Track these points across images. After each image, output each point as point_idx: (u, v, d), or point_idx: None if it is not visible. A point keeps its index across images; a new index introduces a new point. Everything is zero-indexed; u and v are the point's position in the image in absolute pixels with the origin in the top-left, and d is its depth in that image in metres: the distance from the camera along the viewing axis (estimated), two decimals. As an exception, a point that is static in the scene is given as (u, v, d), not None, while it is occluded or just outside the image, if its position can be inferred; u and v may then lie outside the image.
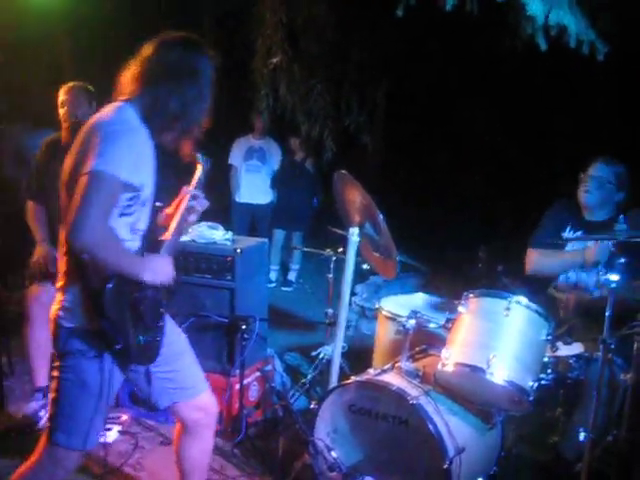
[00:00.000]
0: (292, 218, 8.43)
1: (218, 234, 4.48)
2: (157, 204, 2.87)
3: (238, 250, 4.33)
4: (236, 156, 8.26)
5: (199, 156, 3.01)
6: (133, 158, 2.53)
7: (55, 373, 2.73)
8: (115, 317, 2.57)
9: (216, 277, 4.38)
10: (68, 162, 2.64)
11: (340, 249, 4.81)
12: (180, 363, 3.01)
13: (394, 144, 10.38)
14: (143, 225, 2.74)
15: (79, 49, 7.96)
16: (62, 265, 2.72)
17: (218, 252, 4.39)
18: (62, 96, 4.44)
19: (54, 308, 2.71)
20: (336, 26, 8.31)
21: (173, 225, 2.87)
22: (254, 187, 8.33)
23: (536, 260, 4.25)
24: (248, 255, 4.41)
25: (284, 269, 8.94)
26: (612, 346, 3.28)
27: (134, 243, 2.72)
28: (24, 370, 5.00)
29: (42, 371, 4.48)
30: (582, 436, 3.28)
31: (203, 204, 2.95)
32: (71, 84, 4.49)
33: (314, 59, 8.43)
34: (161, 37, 2.72)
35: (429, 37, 8.64)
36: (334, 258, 4.94)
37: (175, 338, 3.01)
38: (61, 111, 4.43)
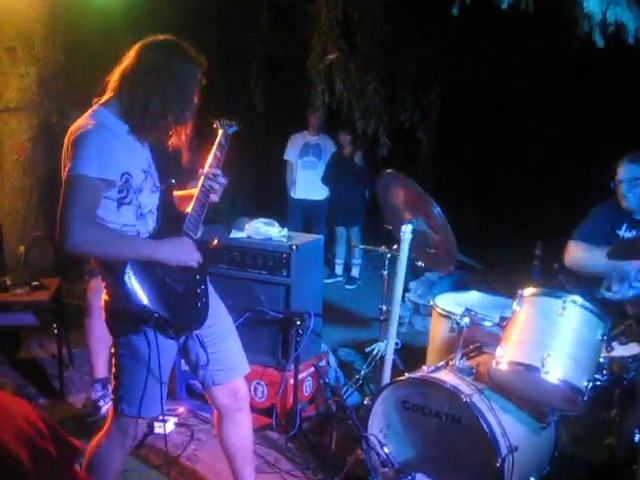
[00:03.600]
0: (348, 214, 8.49)
1: (274, 230, 4.53)
2: (171, 182, 3.00)
3: (294, 247, 4.38)
4: (291, 152, 8.34)
5: (218, 123, 3.13)
6: (107, 155, 2.65)
7: (113, 350, 2.96)
8: (139, 296, 2.69)
9: (272, 273, 4.44)
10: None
11: (395, 246, 4.83)
12: (224, 344, 3.14)
13: (448, 141, 10.32)
14: (150, 207, 2.89)
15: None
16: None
17: (274, 248, 4.45)
18: None
19: (103, 294, 2.91)
20: (391, 23, 8.32)
21: (192, 204, 2.97)
22: (310, 183, 8.38)
23: (577, 253, 4.20)
24: (303, 252, 4.46)
25: (347, 266, 8.99)
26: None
27: (144, 226, 2.86)
28: (83, 361, 5.16)
29: (101, 362, 4.59)
30: (637, 437, 3.24)
31: (221, 182, 3.04)
32: None
33: (369, 56, 8.45)
34: (143, 40, 2.83)
35: (484, 35, 8.56)
36: (388, 255, 4.96)
37: (221, 319, 3.15)
38: None
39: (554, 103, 9.70)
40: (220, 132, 3.14)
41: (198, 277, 2.95)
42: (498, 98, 10.11)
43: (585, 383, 3.26)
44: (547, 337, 3.33)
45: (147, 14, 7.31)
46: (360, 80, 8.43)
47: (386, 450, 3.59)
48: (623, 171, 4.07)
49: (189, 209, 2.97)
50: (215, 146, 3.11)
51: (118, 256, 2.69)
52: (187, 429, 4.41)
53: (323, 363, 4.77)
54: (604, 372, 3.45)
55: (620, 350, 3.62)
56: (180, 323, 2.83)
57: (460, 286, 5.01)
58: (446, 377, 3.51)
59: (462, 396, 3.32)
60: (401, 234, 3.88)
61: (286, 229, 4.63)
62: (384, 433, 3.65)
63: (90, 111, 2.78)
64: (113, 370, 2.97)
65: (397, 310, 3.94)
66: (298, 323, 4.27)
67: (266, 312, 4.41)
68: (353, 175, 8.34)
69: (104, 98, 2.82)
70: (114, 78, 2.81)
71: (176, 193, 3.08)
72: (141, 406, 2.88)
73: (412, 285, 7.30)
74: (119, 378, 2.93)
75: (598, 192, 4.42)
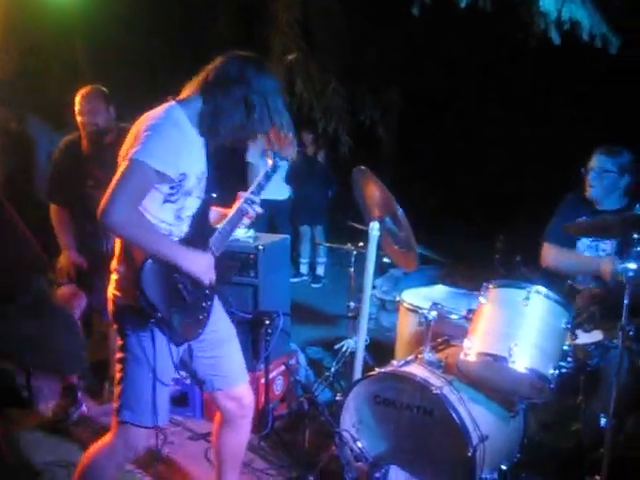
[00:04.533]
0: (312, 213, 8.54)
1: (240, 232, 4.53)
2: (212, 195, 3.04)
3: (261, 247, 4.40)
4: (253, 153, 8.33)
5: (271, 152, 3.23)
6: (172, 151, 2.71)
7: (118, 354, 2.92)
8: (151, 293, 2.72)
9: (239, 274, 4.45)
10: (122, 150, 2.81)
11: (361, 243, 4.88)
12: (223, 350, 3.16)
13: (408, 138, 10.42)
14: (189, 212, 2.92)
15: (95, 49, 8.03)
16: (116, 248, 2.91)
17: (241, 250, 4.46)
18: (79, 104, 4.41)
19: (110, 288, 2.91)
20: (350, 23, 8.37)
21: (223, 223, 3.05)
22: (272, 183, 8.34)
23: (552, 256, 4.28)
24: (271, 252, 4.49)
25: (312, 264, 9.02)
26: (631, 333, 3.32)
27: (179, 228, 2.89)
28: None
29: None
30: (603, 422, 3.32)
31: (258, 211, 3.16)
32: (87, 90, 4.45)
33: (329, 55, 8.49)
34: (230, 52, 2.91)
35: (443, 34, 8.67)
36: (355, 252, 5.00)
37: (222, 325, 3.17)
38: (79, 119, 4.43)
39: (515, 100, 9.85)
40: (270, 162, 3.24)
41: (207, 292, 2.98)
42: (458, 96, 10.24)
43: (551, 371, 3.34)
44: (513, 327, 3.40)
45: (104, 17, 7.27)
46: (320, 79, 8.45)
47: (359, 445, 3.64)
48: (596, 160, 4.15)
49: (220, 226, 3.03)
50: (262, 174, 3.22)
51: (144, 246, 2.73)
52: (159, 432, 4.39)
53: (293, 361, 4.80)
54: (569, 359, 3.52)
55: (584, 337, 3.72)
56: (182, 330, 2.85)
57: (425, 281, 5.06)
58: (416, 370, 3.56)
59: (432, 388, 3.37)
60: (369, 231, 3.93)
61: (252, 230, 4.65)
62: (357, 428, 3.69)
63: (166, 105, 2.83)
64: (118, 375, 2.92)
65: (367, 306, 4.00)
66: (267, 323, 4.30)
67: (235, 313, 4.41)
68: (316, 174, 8.39)
69: (182, 96, 2.89)
70: (197, 79, 2.87)
71: (213, 208, 3.14)
72: (152, 413, 2.86)
73: (377, 282, 7.33)
74: (122, 382, 2.89)
75: (560, 188, 4.50)
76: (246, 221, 3.16)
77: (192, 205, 2.93)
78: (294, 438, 4.25)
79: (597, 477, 3.31)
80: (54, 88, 6.78)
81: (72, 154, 4.52)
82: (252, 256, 4.43)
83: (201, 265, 2.87)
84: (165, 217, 2.83)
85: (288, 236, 4.93)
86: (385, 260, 4.57)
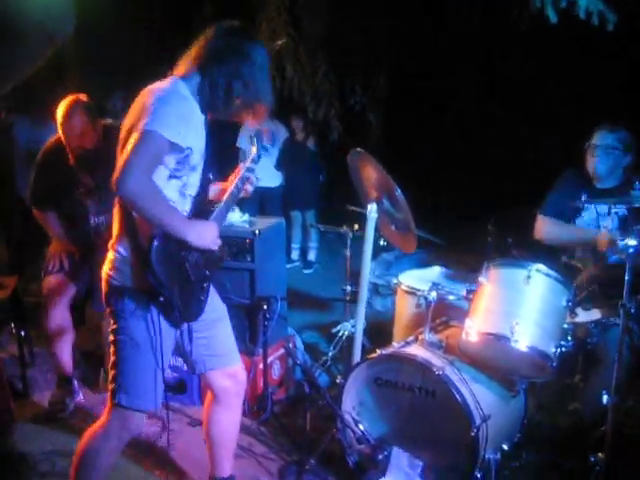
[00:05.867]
0: (303, 198, 8.53)
1: (235, 216, 4.52)
2: (210, 176, 3.02)
3: (257, 231, 4.38)
4: (244, 140, 8.28)
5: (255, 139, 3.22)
6: (181, 122, 2.69)
7: (111, 337, 2.88)
8: (160, 271, 2.71)
9: (236, 259, 4.42)
10: (125, 123, 2.78)
11: (356, 226, 4.88)
12: (217, 330, 3.16)
13: (397, 123, 10.40)
14: (193, 190, 2.90)
15: (82, 48, 7.96)
16: (115, 225, 2.88)
17: (237, 234, 4.43)
18: (62, 120, 4.16)
19: (105, 268, 2.87)
20: (338, 7, 8.33)
21: (226, 195, 3.04)
22: (264, 170, 8.33)
23: (546, 227, 4.27)
24: (266, 236, 4.46)
25: (303, 250, 9.01)
26: (632, 310, 3.33)
27: (183, 206, 2.87)
28: (45, 360, 5.09)
29: (65, 359, 4.53)
30: (605, 399, 3.33)
31: (254, 182, 3.16)
32: (69, 105, 4.16)
33: (318, 41, 8.46)
34: (218, 23, 2.89)
35: (433, 13, 8.64)
36: (351, 235, 5.00)
37: (215, 306, 3.16)
38: (60, 130, 4.19)
39: (506, 77, 9.85)
40: (254, 149, 3.23)
41: (208, 273, 2.98)
42: (447, 79, 10.23)
43: (553, 349, 3.35)
44: (514, 306, 3.41)
45: (88, 8, 7.19)
46: (310, 65, 8.45)
47: (361, 427, 3.63)
48: (600, 137, 4.13)
49: (221, 202, 3.02)
50: (254, 152, 3.22)
51: (157, 217, 2.68)
52: (158, 420, 4.38)
53: (292, 345, 4.79)
54: (569, 338, 3.53)
55: (583, 316, 3.73)
56: (184, 310, 2.85)
57: (416, 265, 5.06)
58: (417, 351, 3.56)
59: (434, 369, 3.37)
60: (367, 213, 3.92)
61: (247, 214, 4.62)
62: (358, 411, 3.69)
63: (170, 79, 2.82)
64: (112, 359, 2.89)
65: (366, 289, 3.99)
66: (265, 307, 4.29)
67: (232, 298, 4.40)
68: (307, 160, 8.38)
69: (180, 70, 2.86)
70: (192, 52, 2.84)
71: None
72: (147, 397, 2.86)
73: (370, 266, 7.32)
74: (117, 366, 2.86)
75: (551, 169, 4.50)
76: (249, 188, 3.15)
77: (195, 182, 2.91)
78: (294, 422, 4.25)
79: (600, 454, 3.32)
80: (36, 83, 6.72)
81: (57, 162, 4.32)
82: (248, 240, 4.40)
83: (208, 235, 2.86)
84: (170, 194, 2.79)
85: (283, 220, 4.91)
86: (382, 242, 4.55)
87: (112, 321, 2.88)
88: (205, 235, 2.84)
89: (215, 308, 3.15)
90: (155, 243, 2.69)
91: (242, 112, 2.94)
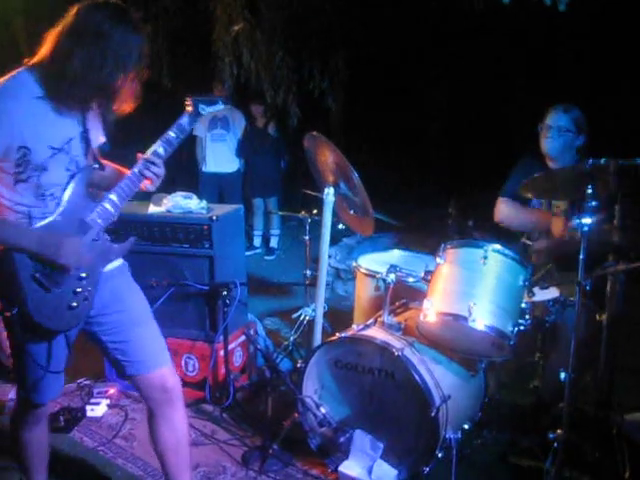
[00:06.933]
0: (264, 185, 8.53)
1: (193, 203, 4.48)
2: (94, 166, 2.75)
3: (214, 217, 4.35)
4: (200, 127, 8.23)
5: (191, 99, 2.86)
6: (7, 123, 2.45)
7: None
8: (4, 289, 2.55)
9: (194, 246, 4.38)
10: None
11: (315, 211, 4.87)
12: (133, 334, 2.89)
13: (357, 107, 10.41)
14: (54, 189, 2.62)
15: (36, 27, 7.83)
16: None
17: (195, 221, 4.39)
18: None
19: None
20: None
21: (113, 190, 2.73)
22: (220, 156, 8.34)
23: (504, 210, 4.31)
24: (224, 222, 4.43)
25: (265, 237, 9.00)
26: (587, 288, 3.36)
27: (42, 209, 2.60)
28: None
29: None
30: (563, 376, 3.36)
31: (156, 172, 2.78)
32: None
33: (275, 26, 8.40)
34: (82, 2, 2.57)
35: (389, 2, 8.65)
36: (309, 220, 5.00)
37: (131, 306, 2.92)
38: None
39: (461, 62, 9.89)
40: (189, 109, 2.86)
41: (84, 275, 2.67)
42: (405, 60, 10.24)
43: (511, 328, 3.37)
44: (472, 286, 3.41)
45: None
46: (267, 50, 8.39)
47: (322, 410, 3.64)
48: (554, 117, 4.14)
49: (108, 194, 2.72)
50: (173, 126, 2.83)
51: (2, 243, 2.49)
52: (120, 410, 4.35)
53: (252, 332, 4.77)
54: (527, 317, 3.56)
55: (541, 294, 3.76)
56: (49, 320, 2.61)
57: (378, 249, 5.06)
58: (376, 333, 3.57)
59: (393, 350, 3.38)
60: (324, 196, 3.91)
61: (205, 201, 4.59)
62: (319, 394, 3.69)
63: (11, 73, 2.55)
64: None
65: (325, 273, 3.98)
66: (224, 294, 4.27)
67: (191, 285, 4.38)
68: (268, 146, 8.37)
69: (33, 59, 2.58)
70: (48, 39, 2.55)
71: (111, 165, 2.91)
72: (31, 392, 2.87)
73: (331, 251, 7.33)
74: (15, 362, 2.88)
75: (511, 151, 4.53)
76: (149, 186, 2.82)
77: (56, 180, 2.62)
78: (256, 408, 4.25)
79: (559, 431, 3.35)
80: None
81: None
82: (206, 227, 4.35)
83: (62, 250, 2.56)
84: (22, 199, 2.56)
85: (241, 206, 4.87)
86: (341, 227, 4.55)
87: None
88: (60, 249, 2.56)
89: (129, 309, 2.90)
90: None
91: (100, 98, 2.62)
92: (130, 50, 2.57)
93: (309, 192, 4.72)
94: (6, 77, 2.54)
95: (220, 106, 2.98)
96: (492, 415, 3.88)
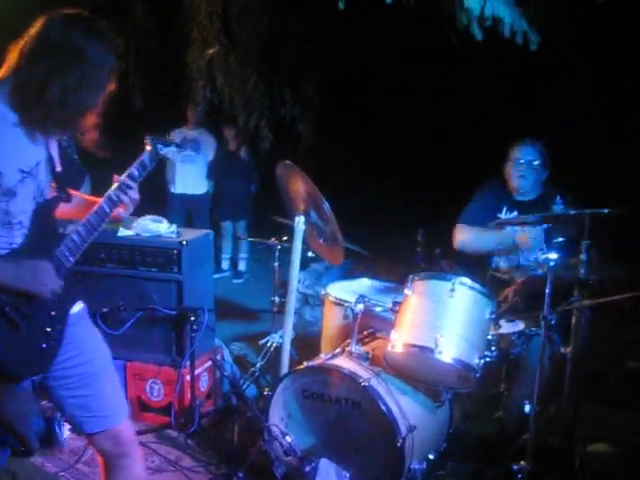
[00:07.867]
0: (234, 208, 8.52)
1: (163, 227, 4.48)
2: (62, 194, 2.58)
3: (184, 242, 4.34)
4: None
5: (149, 139, 2.72)
6: None
7: None
8: None
9: (163, 270, 4.38)
10: None
11: (285, 237, 4.88)
12: (97, 386, 2.65)
13: (328, 133, 10.46)
14: (22, 217, 2.44)
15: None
16: None
17: (164, 245, 4.38)
18: None
19: None
20: (271, 17, 8.34)
21: (86, 218, 2.56)
22: (189, 178, 8.33)
23: (464, 236, 4.36)
24: (194, 247, 4.43)
25: (233, 260, 8.98)
26: (552, 322, 3.41)
27: (9, 238, 2.42)
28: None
29: None
30: (527, 408, 3.41)
31: (134, 198, 2.66)
32: None
33: (250, 50, 8.45)
34: (50, 13, 2.39)
35: (362, 29, 8.73)
36: (279, 247, 5.01)
37: (94, 356, 2.68)
38: None
39: (434, 90, 10.03)
40: (148, 149, 2.71)
41: (54, 314, 2.48)
42: (378, 87, 10.33)
43: (477, 360, 3.41)
44: (439, 319, 3.45)
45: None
46: (241, 74, 8.42)
47: (288, 439, 3.63)
48: (525, 152, 4.23)
49: (76, 226, 2.54)
50: (136, 163, 2.68)
51: None
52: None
53: (219, 357, 4.76)
54: (492, 349, 3.61)
55: (507, 327, 3.80)
56: (14, 364, 2.39)
57: (346, 275, 5.09)
58: (343, 363, 3.58)
59: (360, 380, 3.39)
60: (295, 225, 3.93)
61: (175, 225, 4.59)
62: (285, 422, 3.68)
63: None
64: None
65: (293, 300, 3.98)
66: (192, 319, 4.26)
67: (159, 309, 4.36)
68: (239, 169, 8.37)
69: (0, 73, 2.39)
70: (12, 55, 2.36)
71: (78, 195, 2.76)
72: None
73: (299, 276, 7.28)
74: None
75: (476, 179, 4.59)
76: (122, 212, 2.68)
77: (25, 207, 2.44)
78: (221, 434, 4.22)
79: (522, 462, 3.38)
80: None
81: None
82: (176, 252, 4.35)
83: (37, 275, 2.39)
84: None
85: (211, 231, 4.88)
86: (310, 254, 4.57)
87: None
88: (29, 277, 2.37)
89: (91, 359, 2.65)
90: None
91: (68, 122, 2.43)
92: (107, 71, 2.45)
93: (281, 219, 4.73)
94: None
95: (173, 149, 2.89)
96: (457, 445, 3.90)
